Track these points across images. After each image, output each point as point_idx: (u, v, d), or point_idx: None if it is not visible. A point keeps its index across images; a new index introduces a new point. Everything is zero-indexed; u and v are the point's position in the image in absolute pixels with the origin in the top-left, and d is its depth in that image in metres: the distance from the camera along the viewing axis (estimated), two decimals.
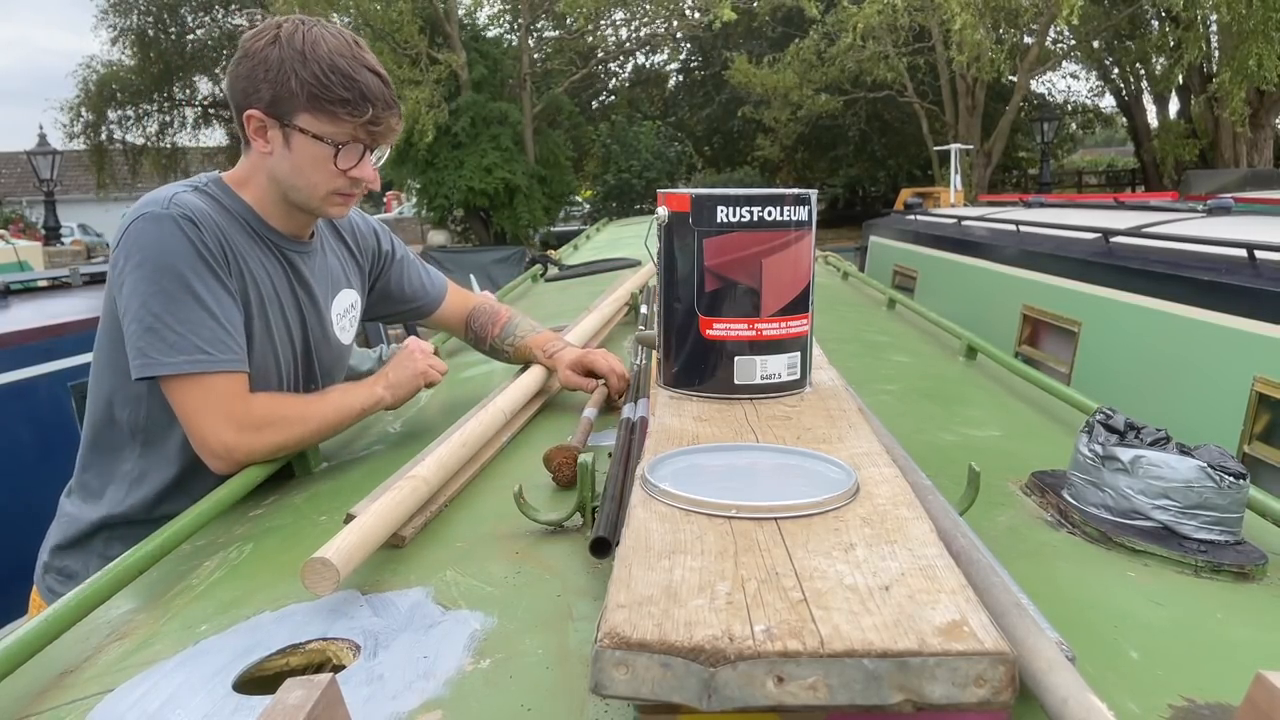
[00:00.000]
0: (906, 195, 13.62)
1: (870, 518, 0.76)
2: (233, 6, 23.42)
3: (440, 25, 18.25)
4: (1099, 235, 3.77)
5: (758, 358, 1.18)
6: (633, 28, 22.55)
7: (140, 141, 24.00)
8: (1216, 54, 17.45)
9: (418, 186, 19.53)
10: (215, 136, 25.07)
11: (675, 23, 21.74)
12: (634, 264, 3.76)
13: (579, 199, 24.66)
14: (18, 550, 2.06)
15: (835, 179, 25.77)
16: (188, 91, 24.29)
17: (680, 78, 29.79)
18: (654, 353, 1.36)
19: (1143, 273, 3.25)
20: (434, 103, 17.10)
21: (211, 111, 24.34)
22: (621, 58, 25.88)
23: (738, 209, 1.15)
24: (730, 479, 0.89)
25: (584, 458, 1.03)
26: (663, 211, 1.19)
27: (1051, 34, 18.53)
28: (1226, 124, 17.36)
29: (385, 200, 28.02)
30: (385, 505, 1.00)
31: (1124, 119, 24.38)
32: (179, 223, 1.28)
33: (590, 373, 1.63)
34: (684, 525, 0.74)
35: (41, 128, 15.95)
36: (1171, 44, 17.61)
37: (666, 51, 26.83)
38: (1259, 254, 2.77)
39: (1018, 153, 24.60)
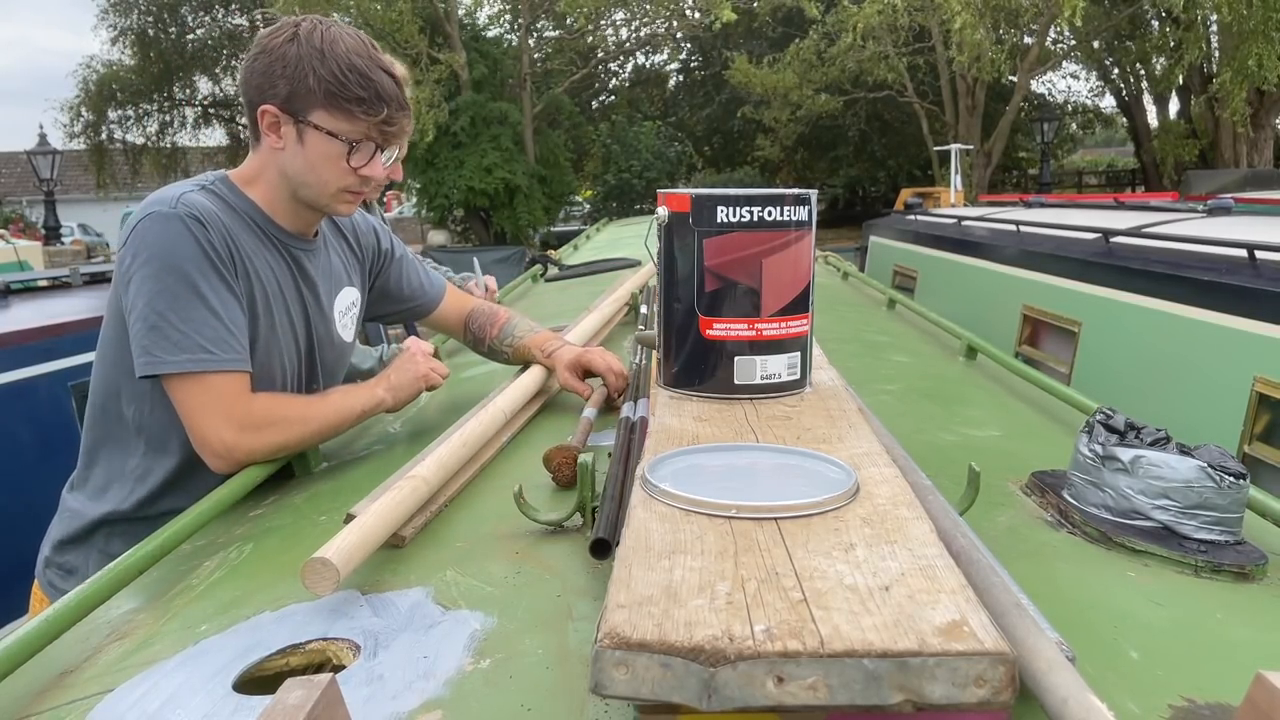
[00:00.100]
0: (906, 195, 13.63)
1: (870, 518, 0.76)
2: (233, 6, 23.44)
3: (440, 25, 18.26)
4: (1099, 235, 3.77)
5: (758, 358, 1.18)
6: (633, 28, 22.58)
7: (140, 141, 24.00)
8: (1217, 54, 17.45)
9: (418, 186, 19.53)
10: (215, 136, 25.15)
11: (675, 23, 21.75)
12: (634, 264, 3.76)
13: (579, 199, 24.66)
14: (18, 550, 2.06)
15: (835, 179, 25.77)
16: (188, 91, 24.27)
17: (680, 78, 29.80)
18: (654, 353, 1.36)
19: (1143, 273, 3.25)
20: (434, 102, 17.10)
21: (211, 111, 24.34)
22: (621, 58, 25.90)
23: (738, 209, 1.15)
24: (730, 479, 0.89)
25: (584, 458, 1.03)
26: (663, 211, 1.19)
27: (1052, 34, 18.54)
28: (1227, 124, 17.37)
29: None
30: (385, 505, 1.00)
31: (1124, 119, 24.38)
32: (186, 222, 1.28)
33: (588, 371, 1.63)
34: (684, 525, 0.74)
35: (41, 127, 15.99)
36: (1172, 44, 17.62)
37: (666, 51, 26.90)
38: (1259, 254, 2.77)
39: (1018, 153, 24.60)
